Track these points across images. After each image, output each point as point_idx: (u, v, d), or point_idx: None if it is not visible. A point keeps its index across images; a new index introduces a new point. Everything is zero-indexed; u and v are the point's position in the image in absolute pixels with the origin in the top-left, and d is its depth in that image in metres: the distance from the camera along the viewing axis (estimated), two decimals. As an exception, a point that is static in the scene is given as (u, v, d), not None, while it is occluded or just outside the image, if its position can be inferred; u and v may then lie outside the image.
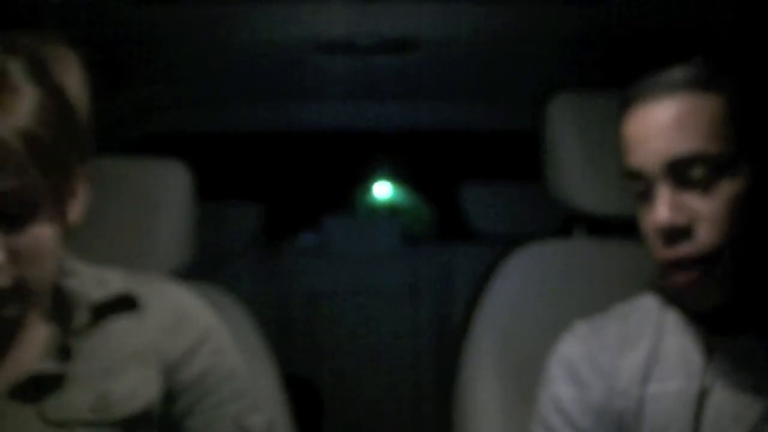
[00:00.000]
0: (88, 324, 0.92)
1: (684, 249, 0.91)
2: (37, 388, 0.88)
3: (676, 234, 0.91)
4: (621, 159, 0.99)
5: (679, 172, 0.91)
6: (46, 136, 0.80)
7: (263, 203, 2.79)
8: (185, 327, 0.96)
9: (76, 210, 0.89)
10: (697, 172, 0.91)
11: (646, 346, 1.03)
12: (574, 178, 1.41)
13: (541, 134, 1.46)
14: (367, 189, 4.36)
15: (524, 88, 1.94)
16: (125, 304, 0.95)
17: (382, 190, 4.40)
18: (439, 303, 2.86)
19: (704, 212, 0.91)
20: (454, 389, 1.44)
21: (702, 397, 0.96)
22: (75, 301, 0.92)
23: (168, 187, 1.35)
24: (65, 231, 0.87)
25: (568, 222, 1.53)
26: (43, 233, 0.82)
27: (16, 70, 0.81)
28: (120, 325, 0.94)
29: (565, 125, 1.42)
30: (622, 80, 1.01)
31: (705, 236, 0.91)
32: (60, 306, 0.93)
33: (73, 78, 0.87)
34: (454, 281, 2.81)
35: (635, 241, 1.36)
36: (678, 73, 0.94)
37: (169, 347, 0.94)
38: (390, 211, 4.30)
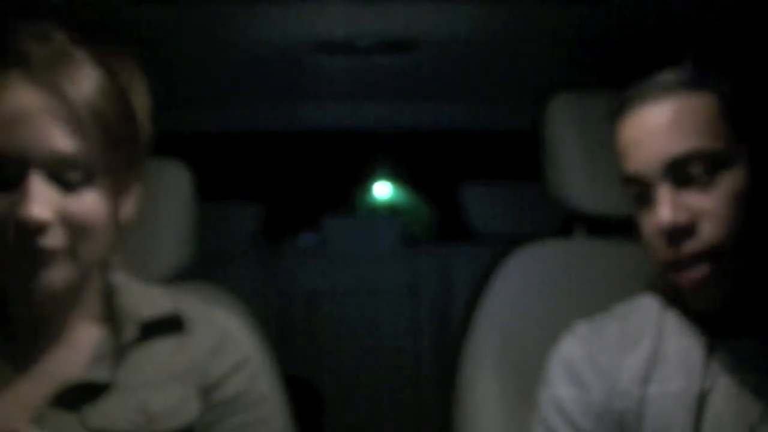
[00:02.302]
0: (137, 340, 0.93)
1: (689, 246, 0.92)
2: (80, 396, 0.88)
3: (679, 233, 0.91)
4: (618, 165, 0.99)
5: (678, 171, 0.92)
6: (107, 112, 0.84)
7: (263, 203, 2.78)
8: (228, 349, 0.97)
9: (128, 207, 0.92)
10: (696, 170, 0.91)
11: (647, 347, 1.03)
12: (574, 178, 1.41)
13: (541, 134, 1.45)
14: (367, 189, 4.36)
15: (524, 88, 1.94)
16: (172, 323, 0.96)
17: (382, 190, 4.39)
18: (439, 303, 2.86)
19: (706, 209, 0.91)
20: (454, 389, 1.43)
21: (702, 398, 0.96)
22: (125, 315, 0.93)
23: (168, 187, 1.35)
24: (118, 223, 0.90)
25: (568, 222, 1.53)
26: (97, 203, 0.84)
27: (81, 54, 0.86)
28: (165, 343, 0.95)
29: (565, 125, 1.42)
30: (622, 81, 1.01)
31: (709, 232, 0.91)
32: (109, 318, 0.94)
33: (136, 89, 0.90)
34: (454, 281, 2.81)
35: (635, 241, 1.36)
36: (669, 75, 0.95)
37: (210, 367, 0.95)
38: (390, 211, 4.30)
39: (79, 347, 0.92)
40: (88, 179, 0.83)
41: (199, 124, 2.15)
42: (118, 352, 0.91)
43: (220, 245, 2.62)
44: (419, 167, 4.01)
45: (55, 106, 0.81)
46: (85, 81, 0.84)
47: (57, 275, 0.83)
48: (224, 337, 0.98)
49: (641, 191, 0.96)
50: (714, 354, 0.98)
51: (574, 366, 1.06)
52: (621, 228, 1.39)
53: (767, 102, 0.96)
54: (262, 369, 1.01)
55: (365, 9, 1.44)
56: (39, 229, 0.80)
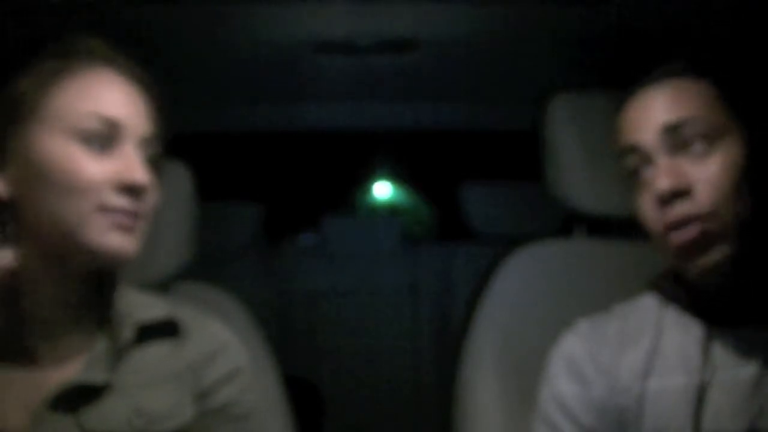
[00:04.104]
0: (133, 342, 0.94)
1: (683, 208, 0.94)
2: (77, 398, 0.89)
3: (674, 197, 0.94)
4: (616, 144, 1.03)
5: (674, 137, 0.96)
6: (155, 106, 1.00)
7: (263, 203, 2.78)
8: (221, 358, 0.99)
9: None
10: (692, 135, 0.95)
11: (646, 344, 1.03)
12: (574, 178, 1.41)
13: (541, 134, 1.45)
14: (367, 189, 4.36)
15: (524, 88, 1.94)
16: (167, 329, 0.97)
17: (382, 190, 4.40)
18: (439, 303, 2.86)
19: (702, 177, 0.94)
20: (454, 389, 1.43)
21: (702, 392, 0.96)
22: (121, 318, 0.94)
23: (168, 187, 1.34)
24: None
25: (568, 222, 1.53)
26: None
27: None
28: (161, 347, 0.96)
29: (565, 125, 1.42)
30: (622, 81, 1.03)
31: (703, 196, 0.94)
32: (106, 321, 0.95)
33: None
34: (454, 281, 2.81)
35: (635, 241, 1.36)
36: (670, 65, 1.01)
37: (204, 373, 0.97)
38: (390, 211, 4.30)
39: (77, 349, 0.92)
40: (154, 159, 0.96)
41: (199, 124, 2.14)
42: (114, 353, 0.92)
43: (220, 245, 2.62)
44: (419, 167, 4.01)
45: (141, 95, 0.97)
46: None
47: (131, 240, 0.90)
48: (218, 347, 0.99)
49: (636, 161, 0.99)
50: (713, 348, 0.98)
51: (576, 363, 1.07)
52: (621, 228, 1.39)
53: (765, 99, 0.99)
54: (251, 384, 1.02)
55: (365, 9, 1.44)
56: (142, 192, 0.90)
